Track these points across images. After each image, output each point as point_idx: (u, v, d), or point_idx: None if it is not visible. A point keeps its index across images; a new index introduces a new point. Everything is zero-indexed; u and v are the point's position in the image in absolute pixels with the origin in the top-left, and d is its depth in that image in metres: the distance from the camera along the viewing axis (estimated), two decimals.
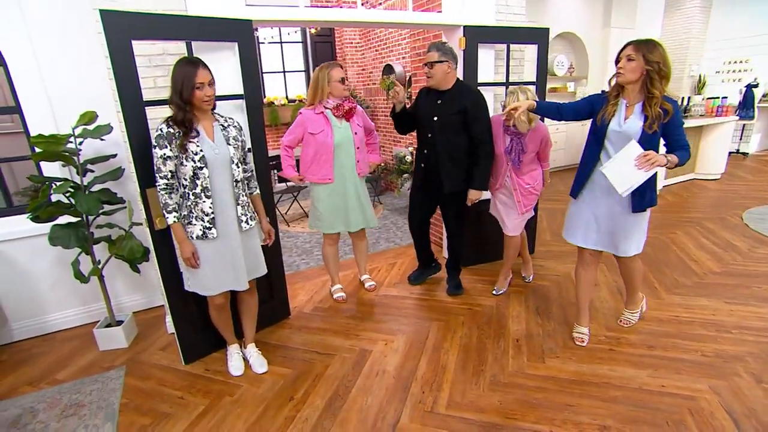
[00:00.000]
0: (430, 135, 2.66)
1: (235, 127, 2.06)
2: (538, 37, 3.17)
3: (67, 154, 2.27)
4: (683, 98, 6.32)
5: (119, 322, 2.57)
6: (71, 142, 2.31)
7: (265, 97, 6.21)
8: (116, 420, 1.99)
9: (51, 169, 2.51)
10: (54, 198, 2.41)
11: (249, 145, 2.32)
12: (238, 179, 2.04)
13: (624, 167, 1.99)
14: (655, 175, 2.03)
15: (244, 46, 2.29)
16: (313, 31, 5.75)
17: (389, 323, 2.76)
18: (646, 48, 1.95)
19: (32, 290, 2.67)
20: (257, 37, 6.05)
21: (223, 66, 2.29)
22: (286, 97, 6.41)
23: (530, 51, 3.34)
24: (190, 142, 1.87)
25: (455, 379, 2.20)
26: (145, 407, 2.08)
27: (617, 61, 2.06)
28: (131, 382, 2.27)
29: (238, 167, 2.03)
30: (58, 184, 2.27)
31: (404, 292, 3.16)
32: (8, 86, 2.48)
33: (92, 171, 2.44)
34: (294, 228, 4.85)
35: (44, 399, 2.16)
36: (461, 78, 3.07)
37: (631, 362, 2.25)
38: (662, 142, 2.11)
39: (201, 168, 1.90)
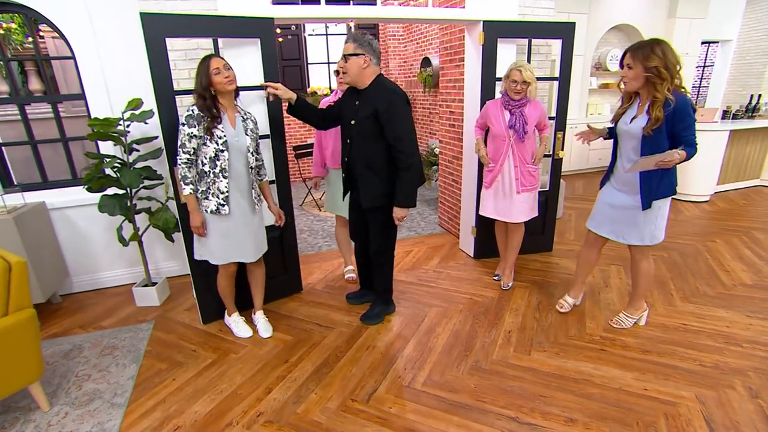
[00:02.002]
0: (348, 140, 2.35)
1: (252, 120, 2.33)
2: (562, 31, 3.11)
3: (116, 134, 2.65)
4: (752, 96, 5.76)
5: (154, 284, 2.97)
6: (120, 124, 2.69)
7: (309, 87, 6.53)
8: (140, 362, 2.36)
9: (106, 147, 2.93)
10: (106, 172, 2.82)
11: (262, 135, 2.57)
12: (253, 166, 2.32)
13: (648, 163, 2.09)
14: (669, 170, 2.17)
15: (265, 41, 2.52)
16: (352, 24, 5.93)
17: None
18: (642, 55, 1.99)
19: (89, 250, 3.15)
20: (303, 29, 6.36)
21: (247, 60, 2.54)
22: (329, 88, 6.69)
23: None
24: (215, 127, 2.14)
25: (438, 360, 2.32)
26: (164, 355, 2.42)
27: (621, 68, 2.13)
28: (157, 334, 2.64)
29: (253, 156, 2.30)
30: (108, 160, 2.65)
31: (411, 278, 3.29)
32: (76, 76, 2.92)
33: (137, 150, 2.82)
34: (325, 213, 5.12)
35: (90, 340, 2.59)
36: (479, 72, 3.12)
37: (619, 363, 2.24)
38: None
39: (222, 151, 2.16)
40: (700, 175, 4.93)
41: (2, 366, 1.83)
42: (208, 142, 2.14)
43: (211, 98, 2.14)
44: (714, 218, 4.49)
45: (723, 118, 5.75)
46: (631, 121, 2.17)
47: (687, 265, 3.36)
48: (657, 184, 2.17)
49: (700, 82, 9.18)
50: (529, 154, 2.78)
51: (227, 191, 2.22)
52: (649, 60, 1.97)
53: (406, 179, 2.28)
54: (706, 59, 8.96)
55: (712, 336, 2.45)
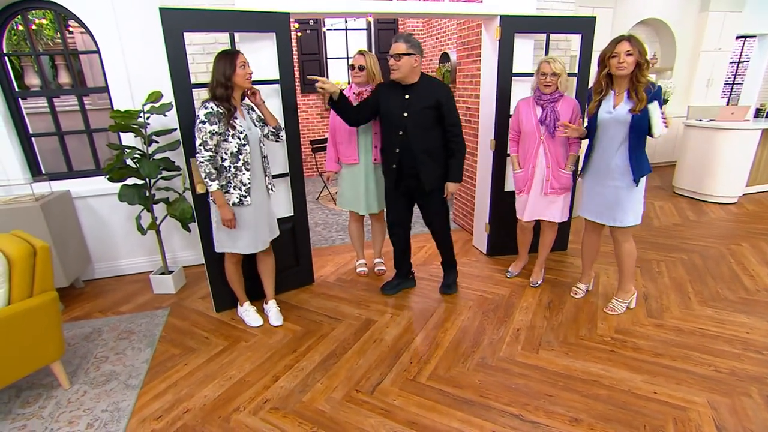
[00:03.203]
0: (401, 133, 2.52)
1: (254, 110, 2.40)
2: (582, 26, 3.04)
3: (136, 126, 2.74)
4: None
5: (171, 272, 3.06)
6: (141, 116, 2.78)
7: None
8: (155, 347, 2.45)
9: (127, 138, 3.03)
10: (127, 162, 2.92)
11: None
12: (265, 154, 2.40)
13: (656, 118, 2.27)
14: (644, 150, 2.38)
15: (281, 36, 2.56)
16: (369, 19, 5.93)
17: (400, 299, 2.93)
18: (638, 43, 2.22)
19: (110, 238, 3.27)
20: (322, 24, 6.40)
21: (262, 55, 2.58)
22: (348, 82, 6.70)
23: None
24: (234, 120, 2.19)
25: (445, 355, 2.32)
26: (178, 341, 2.51)
27: (612, 57, 2.26)
28: (172, 320, 2.73)
29: (264, 144, 2.38)
30: (128, 151, 2.75)
31: (423, 273, 3.29)
32: (101, 70, 3.02)
33: (157, 142, 2.90)
34: (339, 207, 5.15)
35: (108, 324, 2.70)
36: (495, 67, 3.08)
37: (629, 366, 2.19)
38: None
39: (244, 144, 2.23)
40: (726, 176, 4.74)
41: (26, 344, 1.93)
42: (229, 137, 2.19)
43: (231, 88, 2.19)
44: (741, 221, 4.32)
45: (756, 116, 5.51)
46: (614, 109, 2.34)
47: (708, 268, 3.25)
48: (642, 162, 2.36)
49: (734, 78, 8.81)
50: (561, 156, 2.73)
51: (249, 183, 2.28)
52: (643, 48, 2.21)
53: (460, 158, 2.61)
54: (741, 55, 8.59)
55: (730, 341, 2.37)
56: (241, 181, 2.26)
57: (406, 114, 2.49)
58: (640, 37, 2.15)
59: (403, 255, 2.98)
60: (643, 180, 2.41)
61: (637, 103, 2.24)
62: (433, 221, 2.81)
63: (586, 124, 2.58)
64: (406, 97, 2.48)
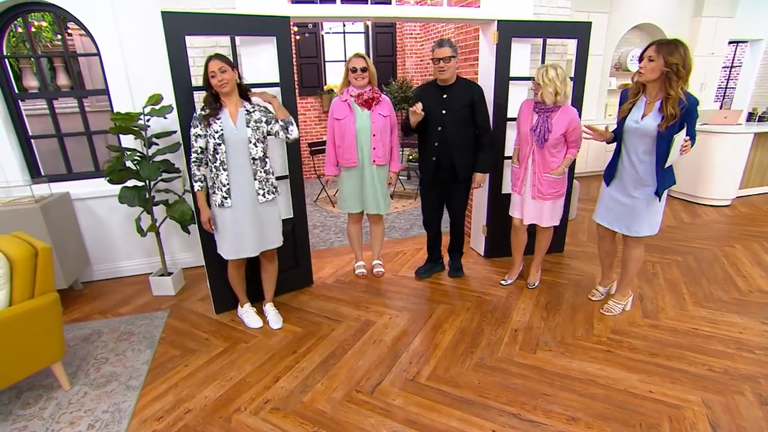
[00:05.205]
0: (440, 128, 2.77)
1: (261, 111, 2.34)
2: (578, 31, 3.08)
3: (136, 128, 2.75)
4: None
5: (170, 274, 3.07)
6: (141, 119, 2.79)
7: (325, 84, 6.60)
8: (154, 348, 2.45)
9: (127, 141, 3.04)
10: (126, 164, 2.92)
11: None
12: (256, 157, 2.31)
13: (676, 149, 2.17)
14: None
15: (281, 39, 2.58)
16: (367, 22, 5.98)
17: (399, 301, 2.95)
18: (667, 50, 2.07)
19: (109, 240, 3.28)
20: (321, 27, 6.43)
21: (262, 58, 2.60)
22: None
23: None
24: (214, 121, 2.20)
25: (444, 356, 2.35)
26: (178, 342, 2.52)
27: (640, 60, 2.19)
28: (171, 322, 2.74)
29: (256, 146, 2.29)
30: (128, 153, 2.76)
31: None
32: (101, 72, 3.03)
33: (157, 144, 2.91)
34: (338, 210, 5.18)
35: (108, 325, 2.71)
36: (493, 71, 3.12)
37: (625, 365, 2.22)
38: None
39: (219, 144, 2.22)
40: (720, 179, 4.81)
41: (28, 345, 1.94)
42: (208, 138, 2.22)
43: (214, 96, 2.22)
44: (734, 223, 4.38)
45: (748, 120, 5.59)
46: (642, 119, 2.25)
47: (702, 270, 3.29)
48: (665, 175, 2.31)
49: (727, 83, 8.92)
50: (548, 163, 2.67)
51: (228, 184, 2.28)
52: (672, 56, 2.06)
53: (487, 152, 2.90)
54: (733, 60, 8.70)
55: (724, 341, 2.41)
56: (221, 182, 2.27)
57: (444, 111, 2.74)
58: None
59: (435, 243, 3.26)
60: (665, 193, 2.36)
61: (665, 119, 2.14)
62: (455, 205, 3.03)
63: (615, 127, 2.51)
64: (444, 96, 2.74)
